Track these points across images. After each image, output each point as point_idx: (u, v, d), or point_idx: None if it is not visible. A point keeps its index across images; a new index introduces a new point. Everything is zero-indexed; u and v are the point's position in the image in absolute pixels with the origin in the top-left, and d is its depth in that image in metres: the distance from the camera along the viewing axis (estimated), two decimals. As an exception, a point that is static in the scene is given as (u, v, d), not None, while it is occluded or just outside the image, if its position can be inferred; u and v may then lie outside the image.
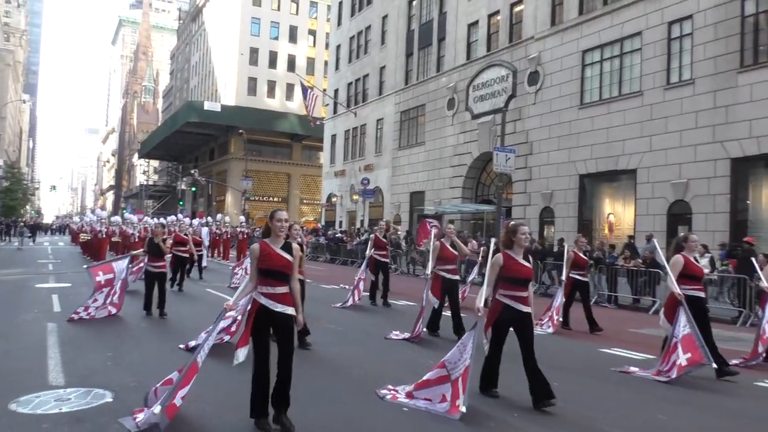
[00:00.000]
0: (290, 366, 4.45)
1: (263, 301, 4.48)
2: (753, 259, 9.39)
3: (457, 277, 9.24)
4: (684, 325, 6.61)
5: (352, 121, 38.46)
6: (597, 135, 21.10)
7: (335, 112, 41.43)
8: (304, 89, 35.37)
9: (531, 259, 5.69)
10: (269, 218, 4.68)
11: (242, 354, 4.49)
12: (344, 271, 22.29)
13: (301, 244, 6.95)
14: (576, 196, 22.17)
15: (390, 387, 5.75)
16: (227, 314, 4.56)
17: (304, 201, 61.07)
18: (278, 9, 64.00)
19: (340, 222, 38.61)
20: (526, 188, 24.28)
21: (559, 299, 9.92)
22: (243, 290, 4.61)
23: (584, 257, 10.55)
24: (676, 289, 6.70)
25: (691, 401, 6.03)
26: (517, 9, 25.50)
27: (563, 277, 10.25)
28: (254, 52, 62.90)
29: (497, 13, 26.48)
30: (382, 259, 12.62)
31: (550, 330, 9.67)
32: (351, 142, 39.05)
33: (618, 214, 21.17)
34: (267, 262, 4.52)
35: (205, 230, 23.76)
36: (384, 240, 12.81)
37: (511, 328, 5.48)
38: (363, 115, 37.27)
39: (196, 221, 25.97)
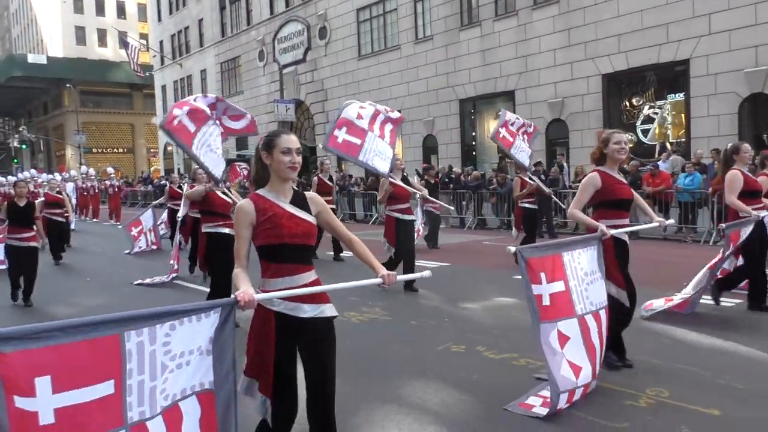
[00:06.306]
0: None
1: (280, 306, 2.66)
2: None
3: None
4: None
5: (178, 72, 39.82)
6: (371, 83, 25.03)
7: (162, 63, 42.33)
8: (125, 43, 36.11)
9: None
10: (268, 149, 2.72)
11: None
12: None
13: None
14: (361, 135, 26.21)
15: None
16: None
17: (152, 150, 61.14)
18: (100, -47, 61.29)
19: (178, 170, 40.49)
20: (325, 130, 27.90)
21: None
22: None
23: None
24: (744, 206, 5.75)
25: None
26: (305, -32, 28.38)
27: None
28: (78, -1, 60.33)
29: (290, -30, 29.19)
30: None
31: None
32: (180, 92, 40.44)
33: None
34: (277, 231, 2.66)
35: (70, 186, 21.15)
36: (179, 190, 10.85)
37: None
38: (188, 66, 38.80)
39: (58, 176, 20.72)
